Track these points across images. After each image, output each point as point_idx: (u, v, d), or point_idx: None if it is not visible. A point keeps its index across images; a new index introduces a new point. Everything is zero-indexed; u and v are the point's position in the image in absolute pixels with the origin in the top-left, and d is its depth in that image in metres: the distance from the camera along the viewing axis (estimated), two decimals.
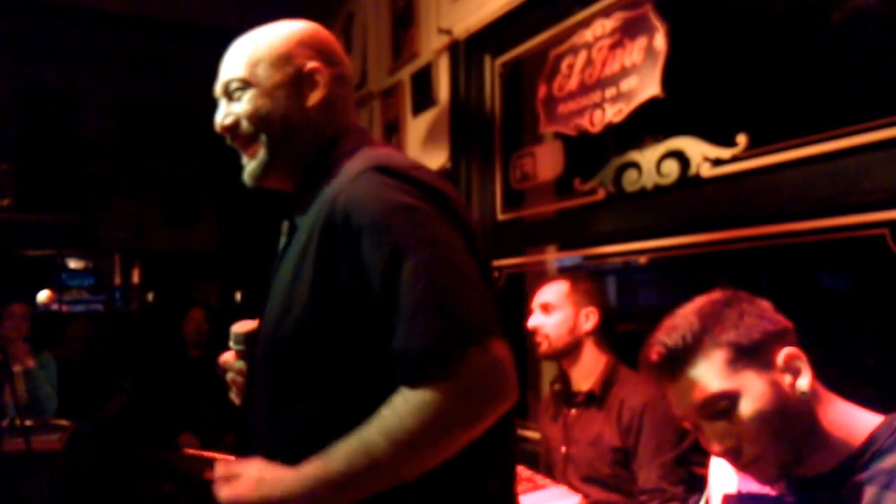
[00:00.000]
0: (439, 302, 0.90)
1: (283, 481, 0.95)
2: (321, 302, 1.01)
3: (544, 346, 2.08)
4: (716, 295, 1.09)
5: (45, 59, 5.86)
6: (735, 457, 1.02)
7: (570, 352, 2.06)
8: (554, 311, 2.08)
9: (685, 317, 1.06)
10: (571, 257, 2.78)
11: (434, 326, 0.89)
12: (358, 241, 0.97)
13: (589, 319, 2.06)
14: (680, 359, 1.04)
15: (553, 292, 2.10)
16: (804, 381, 1.02)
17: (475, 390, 0.90)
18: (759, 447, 1.00)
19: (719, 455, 1.04)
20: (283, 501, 0.94)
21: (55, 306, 6.61)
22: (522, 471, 2.01)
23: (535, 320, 2.11)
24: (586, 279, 2.16)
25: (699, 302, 1.09)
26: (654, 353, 1.06)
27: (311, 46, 1.21)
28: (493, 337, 0.93)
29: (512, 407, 1.01)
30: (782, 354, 1.02)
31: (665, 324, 1.08)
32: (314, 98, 1.17)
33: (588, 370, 2.05)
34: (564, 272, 2.24)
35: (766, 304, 1.07)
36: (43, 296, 6.42)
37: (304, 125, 1.18)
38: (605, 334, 2.09)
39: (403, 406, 0.90)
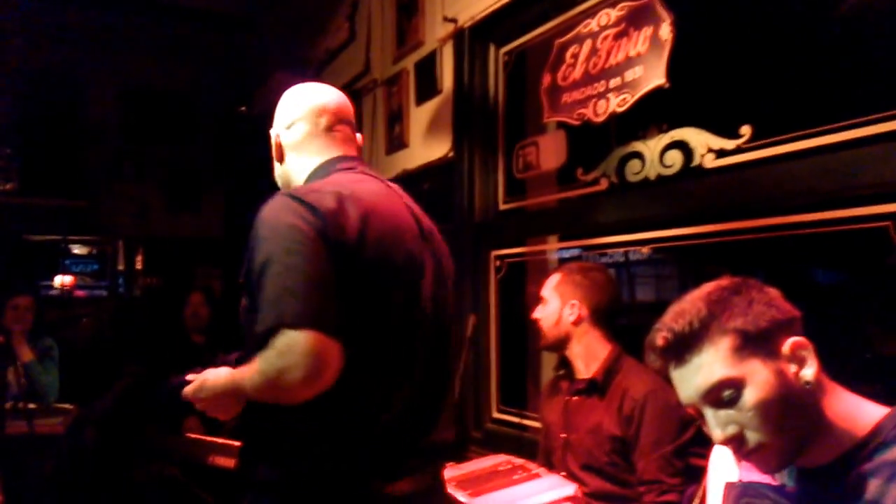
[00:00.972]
0: (280, 300, 1.22)
1: (215, 383, 1.38)
2: (247, 287, 1.34)
3: (542, 340, 2.13)
4: (724, 282, 1.08)
5: (50, 42, 5.85)
6: (737, 444, 1.02)
7: (561, 344, 2.09)
8: (546, 304, 2.11)
9: (693, 302, 1.05)
10: (573, 247, 2.78)
11: (273, 316, 1.22)
12: (255, 244, 1.31)
13: (573, 311, 2.06)
14: (686, 344, 1.03)
15: (548, 286, 2.13)
16: (809, 371, 1.01)
17: (288, 362, 1.20)
18: (762, 436, 1.00)
19: (721, 442, 1.03)
20: (213, 394, 1.38)
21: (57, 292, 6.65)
22: (515, 459, 2.02)
23: (536, 312, 2.15)
24: (577, 271, 2.14)
25: (707, 288, 1.08)
26: (661, 337, 1.05)
27: (277, 115, 1.61)
28: (316, 331, 1.20)
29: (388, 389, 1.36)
30: (789, 343, 1.02)
31: (673, 309, 1.07)
32: (278, 154, 1.59)
33: (591, 358, 2.06)
34: (563, 263, 2.25)
35: (774, 293, 1.07)
36: (60, 280, 6.45)
37: (284, 175, 1.60)
38: (607, 324, 2.09)
39: (256, 361, 1.26)
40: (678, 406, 1.85)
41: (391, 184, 1.54)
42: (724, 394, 1.01)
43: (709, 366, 1.01)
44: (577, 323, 2.06)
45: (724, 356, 1.01)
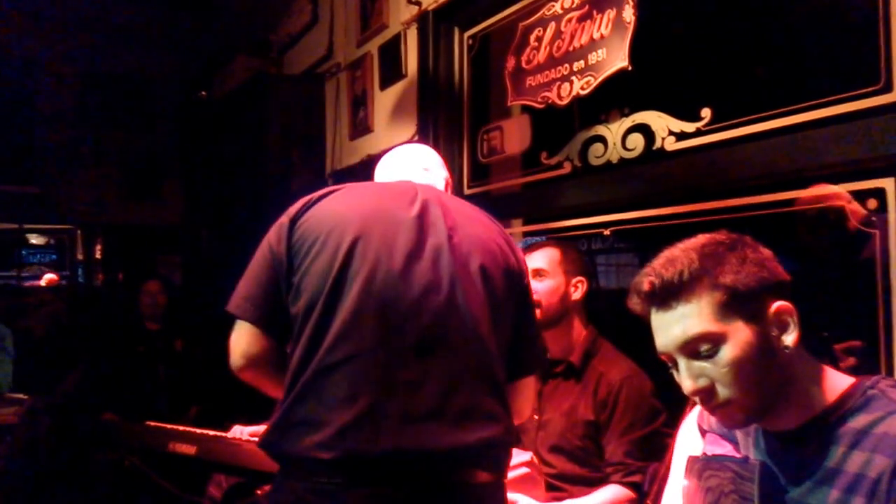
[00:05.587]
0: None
1: None
2: None
3: (536, 314, 2.04)
4: (720, 236, 1.06)
5: (3, 23, 5.67)
6: (706, 397, 1.02)
7: (559, 320, 2.03)
8: (545, 278, 2.02)
9: (686, 252, 1.04)
10: (537, 231, 2.79)
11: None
12: None
13: (578, 289, 2.04)
14: (673, 293, 1.02)
15: (544, 259, 2.05)
16: (790, 338, 1.01)
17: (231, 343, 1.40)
18: (732, 392, 1.00)
19: (691, 393, 1.03)
20: None
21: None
22: None
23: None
24: (573, 248, 2.13)
25: (702, 240, 1.06)
26: (648, 282, 1.04)
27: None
28: (240, 319, 1.39)
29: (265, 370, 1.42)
30: (774, 307, 1.01)
31: (664, 255, 1.06)
32: None
33: (570, 341, 2.04)
34: (548, 239, 2.20)
35: (767, 253, 1.05)
36: (47, 279, 6.34)
37: None
38: (587, 306, 2.08)
39: None
40: (652, 394, 1.90)
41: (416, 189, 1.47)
42: (702, 347, 1.00)
43: (692, 317, 1.01)
44: (580, 300, 2.04)
45: (709, 311, 1.00)
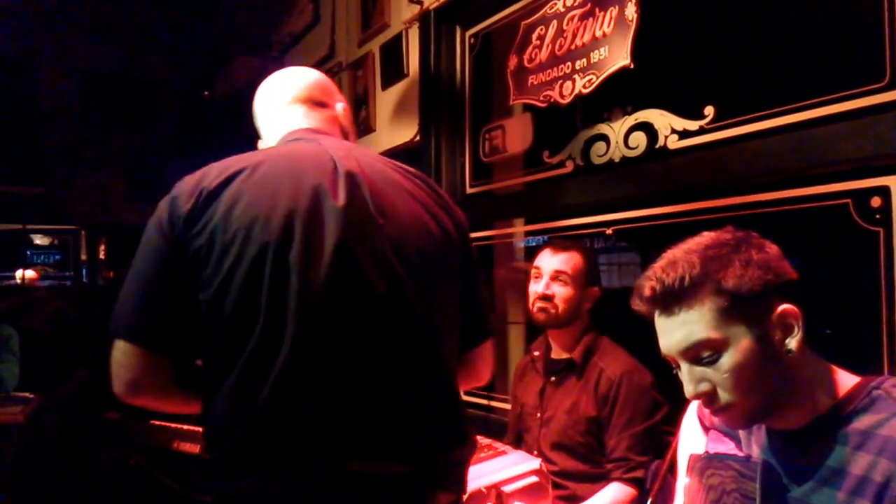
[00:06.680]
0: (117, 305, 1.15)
1: None
2: None
3: (552, 313, 2.04)
4: (725, 235, 1.04)
5: (6, 25, 5.69)
6: (707, 400, 1.02)
7: (569, 324, 2.06)
8: (566, 285, 2.05)
9: (688, 255, 1.02)
10: (539, 230, 2.79)
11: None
12: None
13: (592, 298, 2.08)
14: (674, 299, 1.00)
15: (569, 264, 2.07)
16: (794, 341, 1.00)
17: (113, 368, 1.14)
18: (734, 397, 1.00)
19: (692, 397, 1.03)
20: None
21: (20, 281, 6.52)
22: (482, 439, 2.03)
23: (551, 288, 2.05)
24: (594, 257, 2.16)
25: (706, 240, 1.04)
26: (649, 287, 1.02)
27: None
28: (122, 337, 1.12)
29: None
30: (779, 310, 0.99)
31: (666, 256, 1.04)
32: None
33: (573, 341, 2.07)
34: (575, 244, 2.21)
35: (774, 252, 1.03)
36: (21, 273, 6.34)
37: None
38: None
39: None
40: (651, 388, 1.91)
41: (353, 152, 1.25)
42: (703, 354, 1.00)
43: (693, 324, 0.99)
44: (589, 308, 2.08)
45: (711, 317, 0.99)
